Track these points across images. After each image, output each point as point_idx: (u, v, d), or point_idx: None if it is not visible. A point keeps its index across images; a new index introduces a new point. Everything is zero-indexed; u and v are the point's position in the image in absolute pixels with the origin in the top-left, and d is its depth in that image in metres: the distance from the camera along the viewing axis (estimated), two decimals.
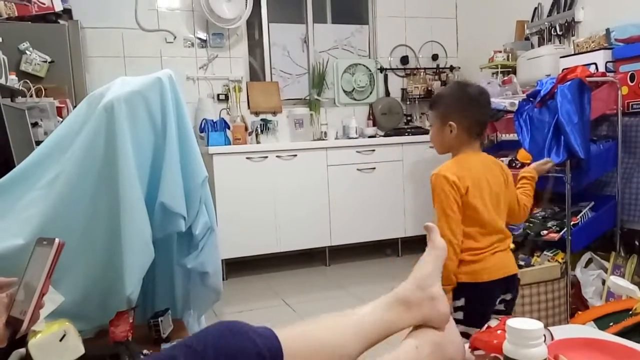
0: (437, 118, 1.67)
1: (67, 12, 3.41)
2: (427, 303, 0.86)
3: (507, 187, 1.67)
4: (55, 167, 1.64)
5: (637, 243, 2.52)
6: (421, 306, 0.86)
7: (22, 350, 1.39)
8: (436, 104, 1.71)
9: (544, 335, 0.73)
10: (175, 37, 4.01)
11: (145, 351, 1.51)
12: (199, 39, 4.07)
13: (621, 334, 1.43)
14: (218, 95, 4.12)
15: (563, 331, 0.94)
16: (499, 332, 0.88)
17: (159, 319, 1.62)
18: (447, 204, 1.56)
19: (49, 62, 3.11)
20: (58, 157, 1.65)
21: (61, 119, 2.72)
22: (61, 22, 3.28)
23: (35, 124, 2.67)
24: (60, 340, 1.35)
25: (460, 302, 1.60)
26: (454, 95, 1.66)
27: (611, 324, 1.80)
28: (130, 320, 1.56)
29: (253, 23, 4.31)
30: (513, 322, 0.74)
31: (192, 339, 0.74)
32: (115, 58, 3.87)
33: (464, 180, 1.57)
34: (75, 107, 2.08)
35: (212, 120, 3.83)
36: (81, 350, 1.38)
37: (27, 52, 3.06)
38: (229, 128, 3.89)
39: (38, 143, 2.33)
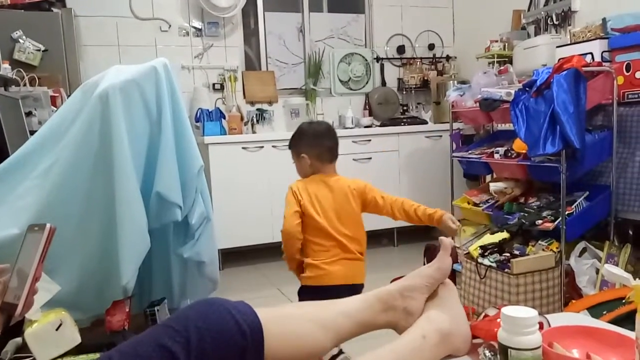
0: (294, 153, 2.02)
1: (60, 0, 3.38)
2: (400, 313, 0.88)
3: (355, 200, 1.95)
4: (50, 156, 1.63)
5: (630, 232, 2.54)
6: (396, 312, 0.88)
7: (19, 340, 1.39)
8: (291, 143, 2.03)
9: (542, 323, 0.74)
10: (170, 26, 3.98)
11: None
12: (194, 27, 4.04)
13: (615, 322, 1.44)
14: (213, 84, 4.10)
15: (557, 319, 0.95)
16: (498, 320, 0.89)
17: (155, 308, 1.62)
18: (290, 205, 1.87)
19: (43, 51, 3.09)
20: (53, 146, 1.64)
21: (55, 108, 2.70)
22: (54, 10, 3.25)
23: (29, 113, 2.65)
24: (57, 329, 1.35)
25: None
26: (302, 133, 2.01)
27: (605, 312, 1.81)
28: (127, 310, 1.56)
29: (248, 12, 4.28)
30: (507, 310, 0.74)
31: (173, 320, 0.74)
32: (109, 47, 3.83)
33: (301, 193, 1.90)
34: (69, 96, 2.07)
35: (208, 110, 3.81)
36: (77, 340, 1.39)
37: (20, 40, 3.03)
38: (224, 118, 3.87)
39: (32, 132, 2.31)
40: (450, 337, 0.85)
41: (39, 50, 3.07)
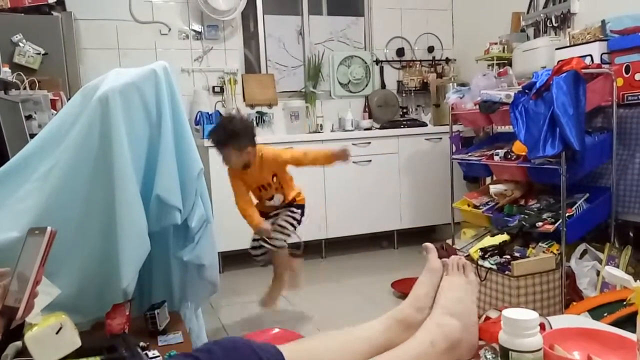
0: (236, 150, 2.35)
1: (60, 4, 3.38)
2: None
3: None
4: (49, 160, 1.63)
5: (631, 234, 2.54)
6: (417, 328, 0.88)
7: (19, 344, 1.39)
8: (231, 142, 2.34)
9: (544, 324, 0.74)
10: (170, 29, 3.98)
11: (142, 343, 1.51)
12: (194, 30, 4.05)
13: (615, 324, 1.44)
14: (213, 87, 4.10)
15: (558, 321, 0.95)
16: None
17: (156, 311, 1.62)
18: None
19: (43, 54, 3.09)
20: (53, 150, 1.64)
21: (55, 112, 2.70)
22: (54, 13, 3.25)
23: (29, 117, 2.65)
24: (57, 333, 1.35)
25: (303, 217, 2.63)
26: (242, 130, 2.35)
27: (605, 314, 1.81)
28: (127, 313, 1.56)
29: (248, 15, 4.28)
30: (508, 313, 0.74)
31: (198, 353, 0.75)
32: (109, 50, 3.84)
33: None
34: (69, 99, 2.07)
35: (208, 113, 3.81)
36: (77, 343, 1.38)
37: (20, 44, 3.03)
38: None
39: (32, 136, 2.31)
40: (459, 343, 0.85)
41: (39, 53, 3.07)
